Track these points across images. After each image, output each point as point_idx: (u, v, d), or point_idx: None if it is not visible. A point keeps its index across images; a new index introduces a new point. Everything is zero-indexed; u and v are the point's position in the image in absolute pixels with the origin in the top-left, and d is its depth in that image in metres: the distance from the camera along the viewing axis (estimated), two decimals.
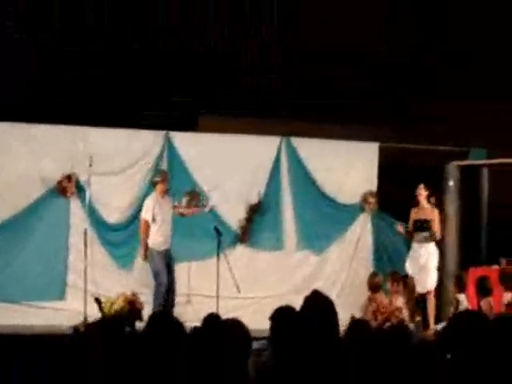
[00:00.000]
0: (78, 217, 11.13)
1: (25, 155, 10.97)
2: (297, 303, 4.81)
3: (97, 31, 11.39)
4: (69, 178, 11.15)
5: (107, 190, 11.30)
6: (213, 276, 10.58)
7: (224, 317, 4.69)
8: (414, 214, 11.36)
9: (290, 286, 11.53)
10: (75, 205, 11.23)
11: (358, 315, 10.03)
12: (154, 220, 10.63)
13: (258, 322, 4.58)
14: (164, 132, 11.61)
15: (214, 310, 9.19)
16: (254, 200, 11.75)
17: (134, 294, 10.31)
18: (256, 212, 11.71)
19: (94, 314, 9.59)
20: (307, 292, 4.78)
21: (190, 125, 12.08)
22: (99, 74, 11.40)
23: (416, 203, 11.39)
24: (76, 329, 5.41)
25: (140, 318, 9.93)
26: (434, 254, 11.25)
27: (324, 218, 12.10)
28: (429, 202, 11.32)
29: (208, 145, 11.63)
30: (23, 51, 11.20)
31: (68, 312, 10.72)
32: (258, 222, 11.73)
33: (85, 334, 3.69)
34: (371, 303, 11.03)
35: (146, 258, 10.66)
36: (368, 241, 12.26)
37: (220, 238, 10.47)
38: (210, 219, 11.22)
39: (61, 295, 11.05)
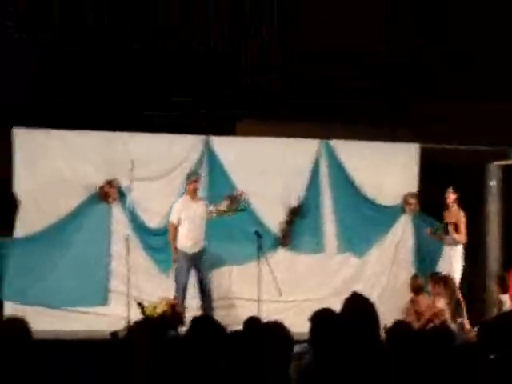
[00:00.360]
0: (119, 222, 11.21)
1: (66, 162, 11.07)
2: (337, 306, 4.78)
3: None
4: (110, 183, 11.22)
5: (148, 195, 11.35)
6: (254, 279, 10.58)
7: (265, 320, 4.68)
8: (444, 217, 11.47)
9: (331, 289, 11.48)
10: (117, 210, 11.31)
11: (399, 317, 10.00)
12: (180, 223, 10.67)
13: (299, 325, 4.56)
14: (203, 137, 11.68)
15: (255, 314, 9.20)
16: (294, 203, 11.73)
17: (175, 298, 10.37)
18: (296, 215, 11.70)
19: (137, 318, 9.63)
20: (347, 295, 4.75)
21: (228, 129, 12.10)
22: (126, 76, 11.45)
23: (446, 206, 11.46)
24: (114, 334, 5.44)
25: (182, 322, 9.98)
26: (457, 257, 11.25)
27: (364, 220, 12.04)
28: (458, 204, 11.38)
29: (247, 149, 11.63)
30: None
31: (111, 317, 10.79)
32: (298, 225, 11.72)
33: (129, 336, 3.70)
34: (413, 305, 10.97)
35: (176, 261, 10.73)
36: (409, 243, 12.16)
37: (261, 241, 10.47)
38: (250, 223, 11.22)
39: (103, 301, 11.11)
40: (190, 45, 11.89)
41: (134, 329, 3.67)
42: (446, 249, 11.41)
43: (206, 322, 3.79)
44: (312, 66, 11.97)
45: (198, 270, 10.72)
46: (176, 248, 10.71)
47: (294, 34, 12.15)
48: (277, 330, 4.07)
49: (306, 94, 12.01)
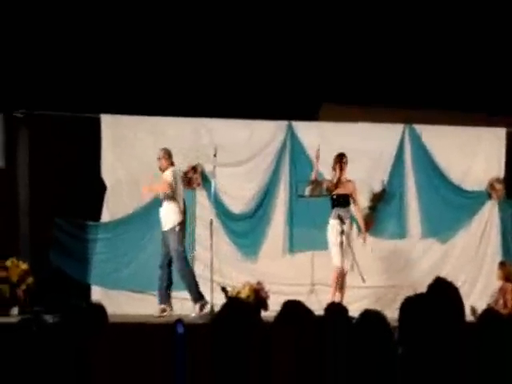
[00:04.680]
0: (203, 207, 11.27)
1: (152, 148, 11.20)
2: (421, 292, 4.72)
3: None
4: (194, 169, 11.31)
5: (231, 181, 11.38)
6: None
7: (349, 307, 4.68)
8: None
9: (415, 275, 11.31)
10: (201, 196, 11.42)
11: (485, 305, 9.84)
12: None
13: (383, 311, 4.55)
14: (286, 122, 11.67)
15: (337, 300, 9.18)
16: (378, 188, 11.64)
17: (259, 283, 10.37)
18: (380, 200, 11.58)
19: (220, 303, 9.69)
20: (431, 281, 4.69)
21: (311, 114, 12.07)
22: (221, 65, 11.49)
23: None
24: (179, 320, 5.48)
25: (265, 308, 10.01)
26: None
27: (449, 205, 11.84)
28: None
29: (330, 134, 11.52)
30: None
31: None
32: (381, 211, 11.59)
33: (218, 319, 3.72)
34: (501, 293, 10.76)
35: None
36: (495, 229, 11.92)
37: (343, 226, 10.41)
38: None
39: None
40: None
41: (224, 312, 3.69)
42: None
43: (296, 306, 3.80)
44: (396, 49, 11.81)
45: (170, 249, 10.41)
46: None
47: None
48: (379, 319, 4.06)
49: (390, 78, 11.87)
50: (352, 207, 10.55)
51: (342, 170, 10.52)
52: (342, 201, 10.47)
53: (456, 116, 11.90)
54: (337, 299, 9.82)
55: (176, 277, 10.35)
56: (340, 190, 10.50)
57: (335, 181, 10.50)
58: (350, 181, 10.59)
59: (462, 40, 11.69)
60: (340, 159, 10.54)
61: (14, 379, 3.64)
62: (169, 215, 10.21)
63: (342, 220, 10.18)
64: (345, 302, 9.08)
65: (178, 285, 10.65)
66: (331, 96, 11.82)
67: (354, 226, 10.76)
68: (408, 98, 11.75)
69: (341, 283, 10.25)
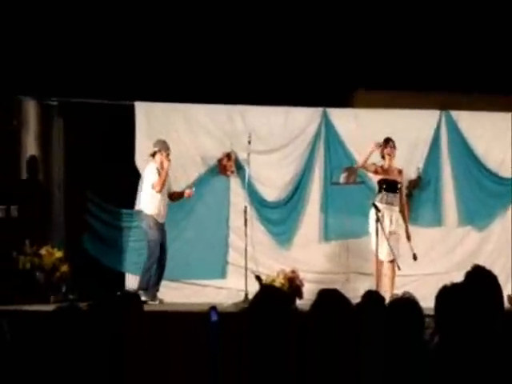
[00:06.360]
0: (237, 195, 11.25)
1: (185, 135, 11.22)
2: (458, 280, 4.68)
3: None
4: (228, 156, 11.30)
5: (265, 168, 11.37)
6: (371, 254, 10.47)
7: (385, 295, 4.66)
8: None
9: (451, 263, 11.20)
10: (235, 183, 11.40)
11: None
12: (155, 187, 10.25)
13: (419, 299, 4.52)
14: (321, 108, 11.60)
15: (373, 288, 9.13)
16: (413, 175, 11.54)
17: (293, 271, 10.36)
18: (415, 188, 11.47)
19: (254, 291, 9.68)
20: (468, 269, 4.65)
21: (345, 100, 11.99)
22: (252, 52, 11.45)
23: None
24: (213, 307, 5.48)
25: (300, 296, 9.99)
26: None
27: (486, 192, 11.72)
28: None
29: (366, 120, 11.46)
30: None
31: (229, 290, 10.92)
32: (417, 198, 11.49)
33: (251, 306, 3.70)
34: None
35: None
36: None
37: (379, 214, 10.33)
38: (368, 195, 11.10)
39: (222, 274, 11.23)
40: None
41: (258, 300, 3.67)
42: None
43: (333, 295, 3.78)
44: (431, 31, 11.66)
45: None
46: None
47: None
48: (409, 305, 4.04)
49: (426, 61, 11.74)
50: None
51: (390, 155, 10.47)
52: (391, 186, 10.43)
53: (494, 101, 11.74)
54: (376, 288, 9.79)
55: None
56: (389, 176, 10.46)
57: (386, 166, 10.46)
58: (400, 170, 10.56)
59: (502, 17, 11.50)
60: (388, 144, 10.50)
61: (50, 367, 3.66)
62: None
63: (377, 208, 10.11)
64: (382, 291, 9.03)
65: (212, 273, 10.70)
66: (366, 82, 11.71)
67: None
68: (444, 82, 11.60)
69: (378, 272, 10.21)
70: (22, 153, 11.26)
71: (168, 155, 10.34)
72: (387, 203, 10.36)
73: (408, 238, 10.54)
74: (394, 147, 10.53)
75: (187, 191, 10.65)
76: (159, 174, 10.23)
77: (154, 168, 10.29)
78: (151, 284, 10.19)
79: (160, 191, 10.24)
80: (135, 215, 10.99)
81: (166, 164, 10.28)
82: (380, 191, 10.47)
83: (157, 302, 10.07)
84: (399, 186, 10.53)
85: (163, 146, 10.37)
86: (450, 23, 11.48)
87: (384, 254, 10.19)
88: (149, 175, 10.31)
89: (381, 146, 10.50)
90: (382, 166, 10.51)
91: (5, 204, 10.82)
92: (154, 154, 10.38)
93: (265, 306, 3.67)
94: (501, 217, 11.73)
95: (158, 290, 10.29)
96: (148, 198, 10.31)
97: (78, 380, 3.69)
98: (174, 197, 10.66)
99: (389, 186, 10.45)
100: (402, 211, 10.62)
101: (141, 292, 9.77)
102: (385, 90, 11.75)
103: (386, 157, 10.52)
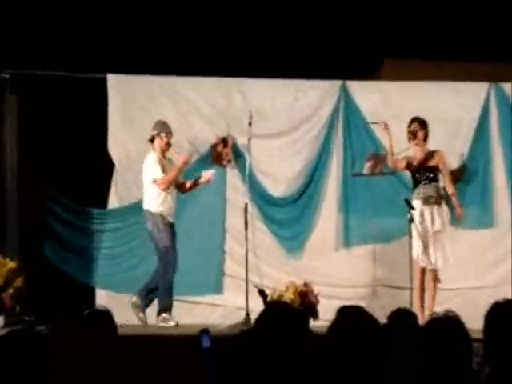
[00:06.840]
0: (235, 190, 11.28)
1: (170, 114, 11.19)
2: None
3: None
4: (224, 141, 11.32)
5: (270, 156, 11.43)
6: (403, 262, 10.47)
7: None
8: None
9: (505, 273, 11.30)
10: (232, 175, 11.42)
11: None
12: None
13: (465, 319, 4.47)
14: (339, 82, 11.61)
15: (406, 305, 9.13)
16: (456, 164, 11.55)
17: (306, 285, 10.36)
18: (458, 179, 11.46)
19: (258, 309, 9.68)
20: None
21: (369, 71, 12.04)
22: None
23: None
24: (205, 330, 5.47)
25: (315, 316, 9.98)
26: None
27: None
28: None
29: (394, 96, 11.54)
30: None
31: (226, 308, 10.97)
32: (461, 193, 11.48)
33: (255, 327, 3.69)
34: None
35: None
36: None
37: (412, 213, 10.35)
38: (398, 190, 11.10)
39: (217, 288, 11.25)
40: None
41: (262, 321, 3.66)
42: None
43: (354, 311, 3.76)
44: None
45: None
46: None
47: None
48: (452, 326, 4.01)
49: (469, 25, 11.79)
50: (441, 183, 10.55)
51: (424, 138, 10.52)
52: (429, 176, 10.44)
53: None
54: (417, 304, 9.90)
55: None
56: (424, 164, 10.49)
57: (418, 153, 10.48)
58: (435, 151, 10.59)
59: None
60: (420, 126, 10.53)
61: None
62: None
63: (411, 206, 10.14)
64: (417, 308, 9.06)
65: (205, 287, 10.71)
66: (395, 50, 11.77)
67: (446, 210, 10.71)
68: (492, 50, 11.66)
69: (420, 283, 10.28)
70: None
71: (169, 139, 10.33)
72: (425, 197, 10.35)
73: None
74: (421, 128, 10.53)
75: (205, 175, 10.54)
76: (162, 167, 10.19)
77: (153, 158, 10.26)
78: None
79: (166, 189, 10.21)
80: (107, 215, 10.99)
81: (175, 157, 10.29)
82: (416, 185, 10.48)
83: (173, 324, 10.05)
84: (439, 172, 10.54)
85: (162, 128, 10.36)
86: None
87: (425, 262, 10.24)
88: (148, 167, 10.28)
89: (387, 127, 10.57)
90: (413, 157, 10.53)
91: None
92: (152, 140, 10.35)
93: (272, 328, 3.65)
94: None
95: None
96: (151, 193, 10.29)
97: None
98: (186, 188, 10.61)
99: (425, 176, 10.45)
100: (451, 196, 10.67)
101: (164, 315, 9.94)
102: (419, 58, 11.78)
103: (418, 140, 10.54)
